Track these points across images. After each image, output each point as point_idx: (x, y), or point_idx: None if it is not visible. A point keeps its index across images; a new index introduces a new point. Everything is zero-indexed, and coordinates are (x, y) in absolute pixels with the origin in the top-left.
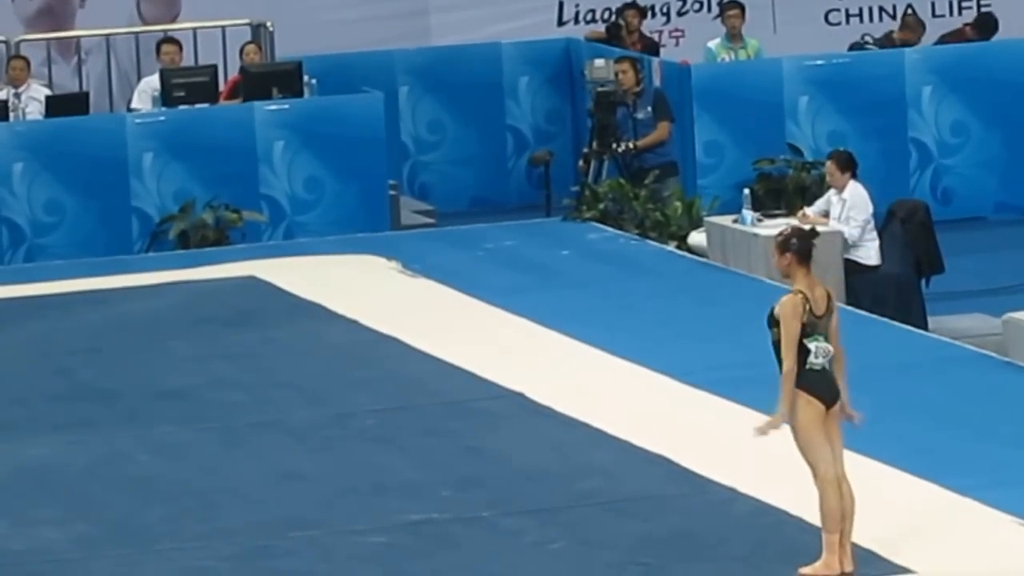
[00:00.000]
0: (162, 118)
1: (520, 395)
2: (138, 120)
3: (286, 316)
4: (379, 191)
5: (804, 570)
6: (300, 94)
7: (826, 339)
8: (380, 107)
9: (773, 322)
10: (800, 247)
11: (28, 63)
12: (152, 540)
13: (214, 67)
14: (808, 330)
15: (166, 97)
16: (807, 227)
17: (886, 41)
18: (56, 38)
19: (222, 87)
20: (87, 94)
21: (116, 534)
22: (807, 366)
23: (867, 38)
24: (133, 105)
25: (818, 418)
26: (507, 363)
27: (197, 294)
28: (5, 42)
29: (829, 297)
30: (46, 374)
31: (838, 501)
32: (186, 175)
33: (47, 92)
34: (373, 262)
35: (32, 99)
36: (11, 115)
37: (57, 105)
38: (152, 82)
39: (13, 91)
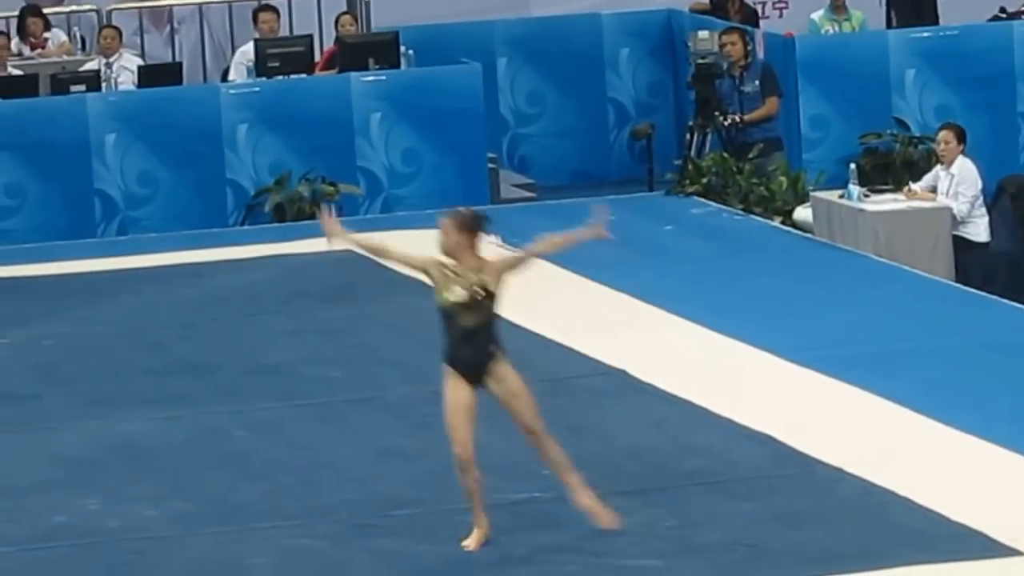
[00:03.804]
0: (257, 89)
1: (623, 372)
2: (232, 91)
3: (383, 291)
4: (478, 164)
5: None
6: (397, 65)
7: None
8: (479, 79)
9: (489, 295)
10: (473, 227)
11: (120, 33)
12: (249, 518)
13: (310, 37)
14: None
15: (261, 67)
16: (478, 210)
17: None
18: (148, 7)
19: (317, 58)
20: (180, 64)
21: (213, 512)
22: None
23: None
24: (230, 76)
25: (457, 392)
26: (609, 340)
27: (293, 268)
28: (97, 11)
29: (495, 281)
30: (141, 349)
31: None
32: (281, 147)
33: (139, 62)
34: None
35: (124, 69)
36: (103, 85)
37: (149, 75)
38: (247, 52)
39: (105, 61)
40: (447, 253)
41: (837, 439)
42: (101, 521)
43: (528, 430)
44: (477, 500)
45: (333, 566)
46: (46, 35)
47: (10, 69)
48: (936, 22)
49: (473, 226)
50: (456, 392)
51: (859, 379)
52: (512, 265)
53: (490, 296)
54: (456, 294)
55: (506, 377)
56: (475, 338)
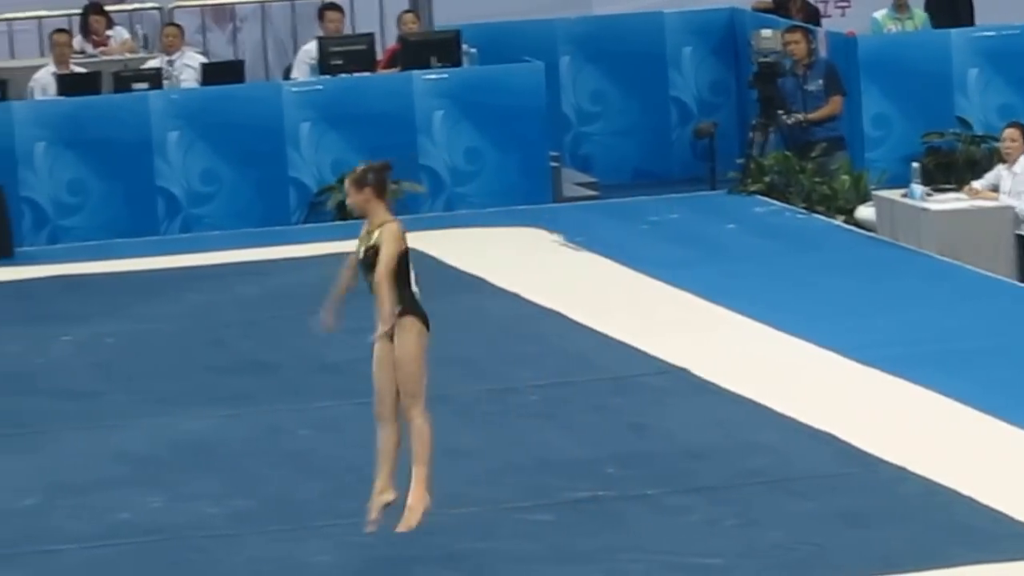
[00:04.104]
0: (319, 87)
1: (684, 371)
2: (295, 89)
3: (446, 289)
4: (540, 162)
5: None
6: (459, 63)
7: None
8: (541, 77)
9: (373, 262)
10: (376, 180)
11: (182, 30)
12: (310, 516)
13: (372, 35)
14: (407, 258)
15: (323, 66)
16: (378, 162)
17: None
18: (211, 5)
19: (380, 56)
20: (242, 62)
21: (274, 509)
22: (414, 295)
23: None
24: (293, 74)
25: (380, 346)
26: (671, 338)
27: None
28: (159, 9)
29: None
30: (203, 346)
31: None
32: (344, 145)
33: (202, 59)
34: (535, 235)
35: (186, 66)
36: (165, 83)
37: (212, 73)
38: (310, 50)
39: (167, 59)
40: (358, 213)
41: (900, 438)
42: (164, 518)
43: (405, 403)
44: (384, 460)
45: (396, 564)
46: (109, 33)
47: (73, 67)
48: (972, 23)
49: (367, 181)
50: (379, 346)
51: (922, 378)
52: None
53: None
54: (358, 252)
55: (401, 342)
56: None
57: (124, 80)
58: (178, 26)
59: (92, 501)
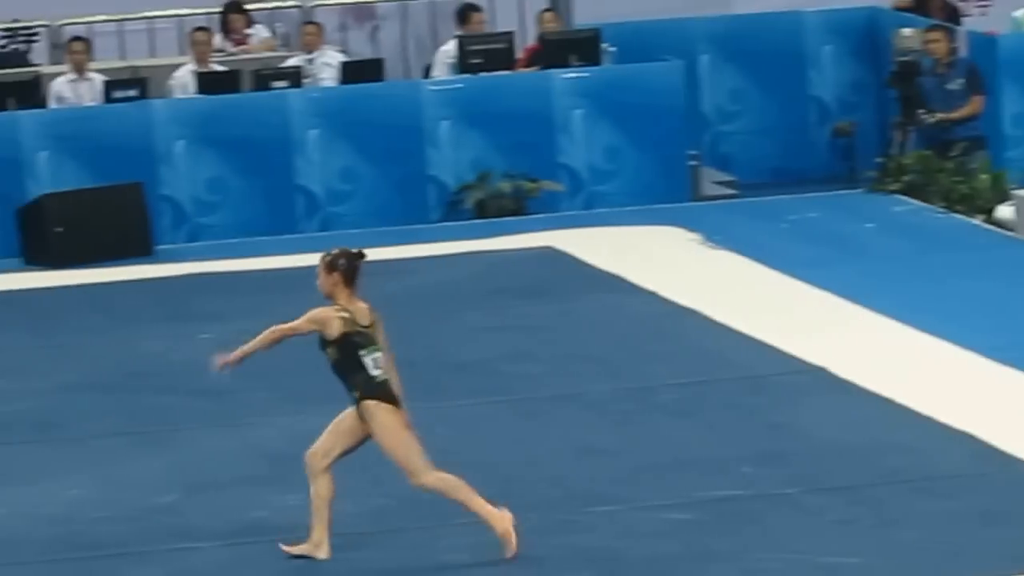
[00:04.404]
0: (458, 85)
1: (822, 370)
2: (434, 87)
3: (584, 287)
4: (678, 161)
5: (289, 549)
6: (598, 62)
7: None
8: (679, 76)
9: (323, 344)
10: (347, 267)
11: (321, 28)
12: (449, 515)
13: (511, 34)
14: (361, 342)
15: (463, 64)
16: (355, 249)
17: None
18: (351, 3)
19: (518, 54)
20: (382, 60)
21: (413, 508)
22: (372, 378)
23: None
24: (434, 73)
25: (401, 421)
26: (809, 337)
27: (494, 264)
28: (299, 7)
29: (371, 309)
30: None
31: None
32: (483, 143)
33: (341, 58)
34: (673, 233)
35: (326, 65)
36: (304, 81)
37: (352, 71)
38: (449, 49)
39: (307, 57)
40: (324, 294)
41: None
42: (301, 516)
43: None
44: (321, 511)
45: (533, 563)
46: (249, 31)
47: (213, 65)
48: None
49: (337, 266)
50: (348, 411)
51: None
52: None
53: (326, 343)
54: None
55: (375, 433)
56: (334, 374)
57: (264, 78)
58: (318, 24)
59: (229, 499)
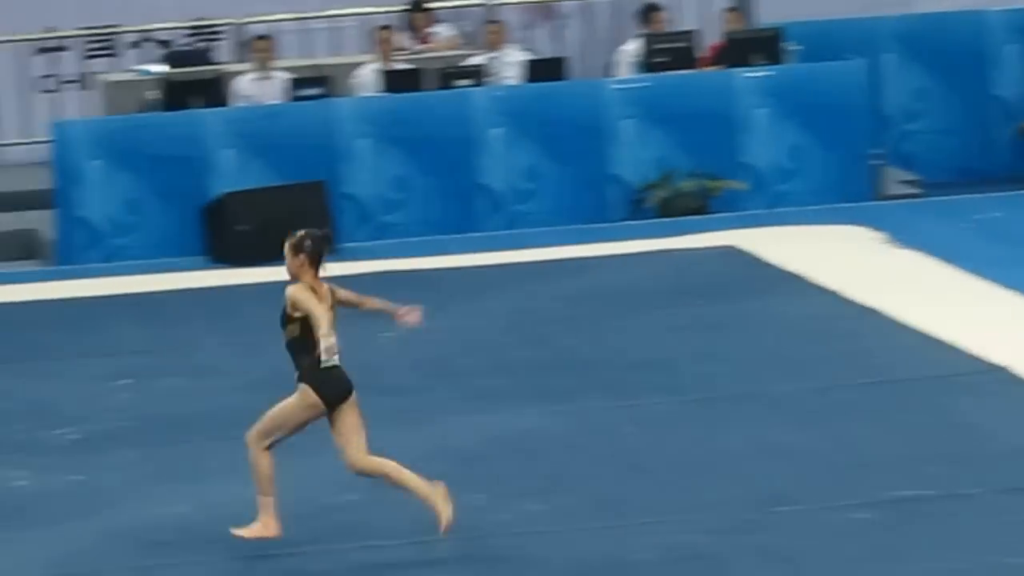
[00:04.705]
0: (642, 84)
1: (1006, 369)
2: (617, 86)
3: (766, 287)
4: (861, 160)
5: (239, 532)
6: (779, 61)
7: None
8: (862, 75)
9: (285, 321)
10: (313, 249)
11: (505, 27)
12: (634, 513)
13: (693, 33)
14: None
15: (646, 63)
16: (321, 232)
17: None
18: (535, 2)
19: (700, 53)
20: (565, 59)
21: (598, 507)
22: (316, 364)
23: None
24: (616, 72)
25: (306, 409)
26: (993, 336)
27: (676, 264)
28: (483, 5)
29: (332, 292)
30: (526, 343)
31: (269, 466)
32: (666, 142)
33: (524, 56)
34: (856, 232)
35: (509, 63)
36: (487, 79)
37: (535, 70)
38: (631, 48)
39: (490, 55)
40: (291, 275)
41: None
42: (487, 515)
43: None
44: (268, 485)
45: (717, 563)
46: (432, 30)
47: (396, 63)
48: None
49: (303, 248)
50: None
51: None
52: (342, 300)
53: (289, 319)
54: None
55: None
56: (288, 352)
57: (447, 76)
58: (501, 22)
59: (414, 497)
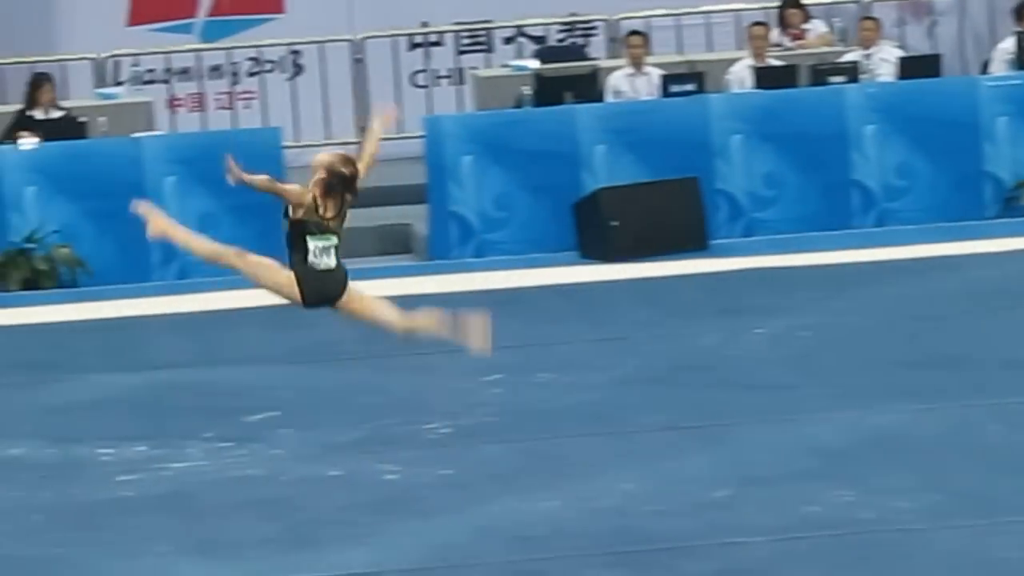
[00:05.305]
0: (1017, 82)
1: None
2: (992, 83)
3: None
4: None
5: None
6: None
7: (332, 237)
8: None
9: (285, 213)
10: (330, 183)
11: (879, 24)
12: (1002, 512)
13: None
14: (313, 229)
15: (1021, 60)
16: (348, 173)
17: None
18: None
19: None
20: (939, 56)
21: (966, 505)
22: (305, 261)
23: None
24: (992, 69)
25: (283, 286)
26: None
27: None
28: (857, 2)
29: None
30: (896, 340)
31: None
32: None
33: (899, 53)
34: None
35: (883, 60)
36: (861, 76)
37: (909, 67)
38: (1007, 46)
39: (864, 52)
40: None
41: None
42: (854, 512)
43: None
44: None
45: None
46: (806, 26)
47: (769, 60)
48: None
49: (326, 180)
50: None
51: None
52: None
53: (288, 214)
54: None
55: None
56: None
57: (820, 73)
58: (876, 19)
59: (781, 494)
